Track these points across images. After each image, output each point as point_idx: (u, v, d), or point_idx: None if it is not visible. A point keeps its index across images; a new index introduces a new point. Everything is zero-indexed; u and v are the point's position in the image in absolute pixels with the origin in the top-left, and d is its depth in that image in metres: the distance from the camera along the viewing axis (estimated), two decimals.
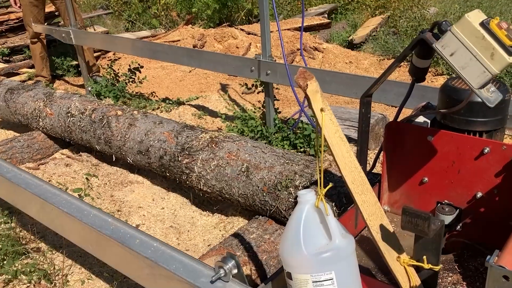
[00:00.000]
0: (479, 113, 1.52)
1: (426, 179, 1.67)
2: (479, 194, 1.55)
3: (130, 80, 4.62)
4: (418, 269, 1.19)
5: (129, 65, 4.63)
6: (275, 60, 3.28)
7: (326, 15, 7.48)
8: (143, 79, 4.67)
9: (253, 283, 2.01)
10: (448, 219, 1.60)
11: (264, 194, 2.35)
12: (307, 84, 1.15)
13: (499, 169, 1.49)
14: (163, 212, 2.91)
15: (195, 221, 2.82)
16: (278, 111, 3.56)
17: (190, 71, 5.56)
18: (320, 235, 1.21)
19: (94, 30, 6.17)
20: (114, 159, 3.22)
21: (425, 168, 1.66)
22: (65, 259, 2.40)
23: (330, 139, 1.17)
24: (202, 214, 2.88)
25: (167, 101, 4.56)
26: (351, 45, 6.18)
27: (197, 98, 4.69)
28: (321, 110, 1.17)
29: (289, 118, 3.68)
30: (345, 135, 1.23)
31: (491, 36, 1.17)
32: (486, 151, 1.49)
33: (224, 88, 4.99)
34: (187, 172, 2.66)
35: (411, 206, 1.06)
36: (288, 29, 6.19)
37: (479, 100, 1.39)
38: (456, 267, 1.54)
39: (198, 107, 4.44)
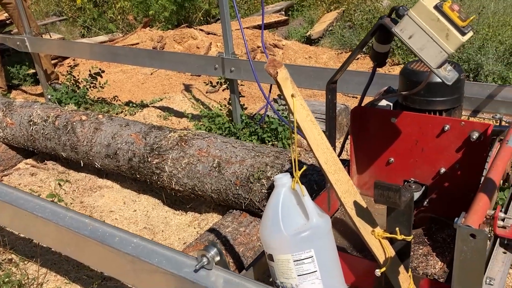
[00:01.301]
0: (437, 93, 1.61)
1: (392, 159, 1.75)
2: (443, 170, 1.64)
3: (91, 85, 4.54)
4: (392, 241, 1.26)
5: (90, 70, 4.55)
6: (238, 57, 3.32)
7: (283, 12, 7.59)
8: (104, 83, 4.61)
9: None
10: (415, 195, 1.69)
11: (237, 187, 2.39)
12: (277, 72, 1.19)
13: (459, 144, 1.59)
14: (135, 215, 2.89)
15: (169, 221, 2.83)
16: (244, 107, 3.60)
17: (151, 73, 5.52)
18: (298, 216, 1.27)
19: (50, 37, 6.02)
20: (82, 165, 3.17)
21: (390, 149, 1.74)
22: (39, 268, 2.36)
23: (302, 123, 1.22)
24: (175, 214, 2.89)
25: (131, 104, 4.52)
26: (309, 41, 6.30)
27: (161, 99, 4.66)
28: (292, 96, 1.21)
29: (255, 114, 3.73)
30: None
31: (445, 18, 1.25)
32: (446, 128, 1.58)
33: (188, 88, 4.99)
34: (158, 172, 2.66)
35: (383, 181, 1.12)
36: (246, 28, 6.24)
37: (438, 80, 1.48)
38: (425, 240, 1.63)
39: (162, 108, 4.43)
